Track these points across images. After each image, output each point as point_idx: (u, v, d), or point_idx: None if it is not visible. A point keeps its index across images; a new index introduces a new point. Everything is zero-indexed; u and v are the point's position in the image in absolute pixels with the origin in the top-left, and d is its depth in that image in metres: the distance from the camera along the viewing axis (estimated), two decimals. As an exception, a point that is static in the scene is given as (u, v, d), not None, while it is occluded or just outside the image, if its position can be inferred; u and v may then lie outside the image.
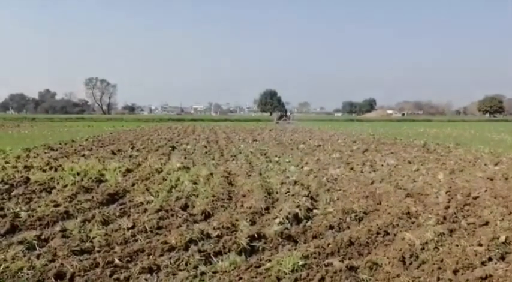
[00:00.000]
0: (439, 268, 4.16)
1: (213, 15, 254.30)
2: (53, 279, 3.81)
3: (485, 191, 7.42)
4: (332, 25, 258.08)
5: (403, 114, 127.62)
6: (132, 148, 16.05)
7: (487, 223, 5.66)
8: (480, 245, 4.69)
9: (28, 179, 8.58)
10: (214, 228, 5.24)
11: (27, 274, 3.89)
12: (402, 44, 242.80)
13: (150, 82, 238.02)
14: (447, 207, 6.43)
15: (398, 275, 4.03)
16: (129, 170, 10.17)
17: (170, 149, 15.98)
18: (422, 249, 4.69)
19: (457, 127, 42.50)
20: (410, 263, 4.34)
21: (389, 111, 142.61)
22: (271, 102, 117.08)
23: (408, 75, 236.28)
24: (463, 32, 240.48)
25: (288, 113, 62.04)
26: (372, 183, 8.58)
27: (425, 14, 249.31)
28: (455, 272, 4.08)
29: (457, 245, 4.76)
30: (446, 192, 7.38)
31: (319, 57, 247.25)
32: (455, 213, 6.13)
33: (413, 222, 5.79)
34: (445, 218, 5.91)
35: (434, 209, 6.43)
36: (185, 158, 12.98)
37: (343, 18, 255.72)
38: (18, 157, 12.27)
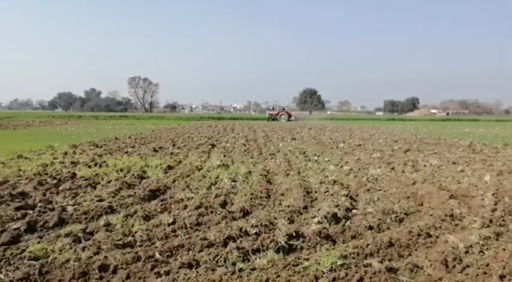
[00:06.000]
0: (484, 273, 4.01)
1: (251, 14, 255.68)
2: (97, 271, 3.95)
3: (536, 194, 7.07)
4: (374, 23, 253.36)
5: (448, 114, 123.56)
6: (173, 146, 16.35)
7: (536, 227, 5.40)
8: (529, 250, 4.48)
9: (75, 174, 8.93)
10: (252, 226, 5.27)
11: (73, 265, 4.04)
12: (446, 41, 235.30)
13: (191, 81, 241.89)
14: (494, 210, 6.17)
15: (440, 278, 3.93)
16: (170, 167, 10.39)
17: (210, 147, 16.19)
18: (467, 252, 4.54)
19: (506, 127, 40.64)
20: (453, 267, 4.20)
21: (433, 111, 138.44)
22: (311, 100, 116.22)
23: (453, 73, 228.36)
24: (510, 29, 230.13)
25: (284, 107, 64.62)
26: (414, 183, 8.36)
27: (465, 12, 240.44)
28: (501, 277, 3.91)
29: (504, 249, 4.57)
30: (492, 195, 7.07)
31: (360, 55, 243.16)
32: (502, 217, 5.87)
33: (457, 225, 5.60)
34: (491, 221, 5.68)
35: (479, 211, 6.19)
36: (224, 156, 13.10)
37: (385, 15, 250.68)
38: (66, 153, 12.80)
